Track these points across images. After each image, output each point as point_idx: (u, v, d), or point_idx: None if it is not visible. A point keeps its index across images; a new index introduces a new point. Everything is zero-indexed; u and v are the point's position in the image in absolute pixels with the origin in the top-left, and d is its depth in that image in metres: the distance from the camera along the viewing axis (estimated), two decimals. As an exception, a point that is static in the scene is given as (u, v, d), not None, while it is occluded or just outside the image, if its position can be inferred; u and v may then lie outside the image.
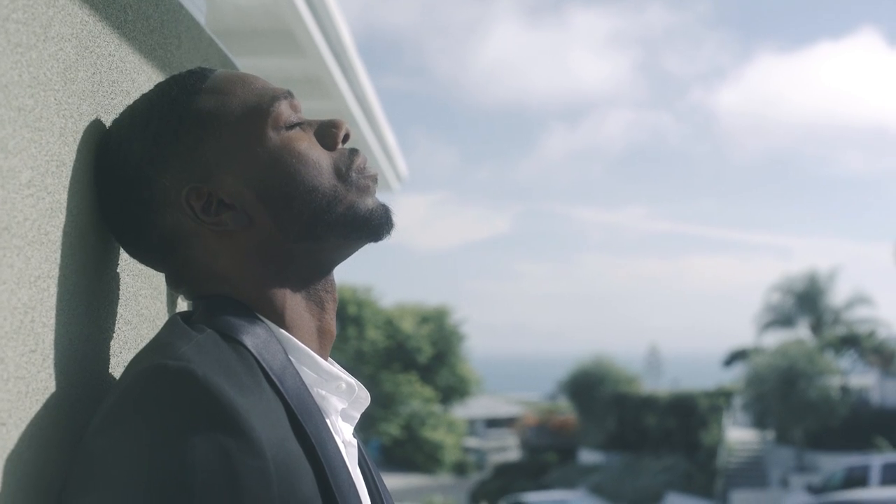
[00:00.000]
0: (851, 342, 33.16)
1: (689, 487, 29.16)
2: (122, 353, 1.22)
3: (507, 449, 43.56)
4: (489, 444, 44.35)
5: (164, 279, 1.36)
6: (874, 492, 18.77)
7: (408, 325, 35.08)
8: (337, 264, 1.21)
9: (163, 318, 1.35)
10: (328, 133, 1.19)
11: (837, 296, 35.26)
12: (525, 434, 40.39)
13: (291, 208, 1.13)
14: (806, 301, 34.99)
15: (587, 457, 34.51)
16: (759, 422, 31.05)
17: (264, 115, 1.15)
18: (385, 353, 34.19)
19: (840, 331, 34.10)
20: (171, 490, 0.90)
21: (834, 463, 25.81)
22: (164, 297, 1.37)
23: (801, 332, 35.05)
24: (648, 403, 33.28)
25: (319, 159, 1.16)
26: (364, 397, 1.20)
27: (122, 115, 1.18)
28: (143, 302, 1.30)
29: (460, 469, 37.91)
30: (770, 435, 31.30)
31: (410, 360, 34.74)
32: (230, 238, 1.13)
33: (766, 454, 31.08)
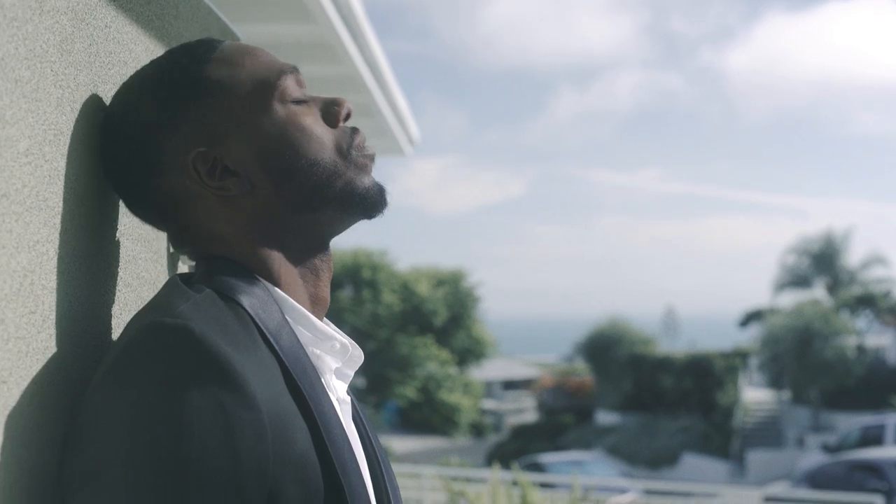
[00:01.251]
0: (867, 302, 33.02)
1: (706, 448, 29.23)
2: (122, 315, 1.25)
3: (524, 411, 43.61)
4: (506, 406, 44.40)
5: (163, 243, 1.39)
6: (890, 451, 18.76)
7: (423, 289, 35.03)
8: (332, 237, 1.25)
9: (163, 280, 1.38)
10: (331, 111, 1.23)
11: (853, 256, 35.10)
12: (542, 396, 40.44)
13: (293, 180, 1.17)
14: (822, 261, 34.82)
15: (604, 418, 34.56)
16: (775, 382, 31.04)
17: (272, 88, 1.19)
18: (401, 317, 34.20)
19: (856, 291, 33.92)
20: (168, 442, 0.94)
21: (850, 422, 25.85)
22: (164, 260, 1.40)
23: (817, 292, 34.91)
24: (665, 364, 33.26)
25: (322, 135, 1.20)
26: (358, 356, 1.24)
27: (131, 78, 1.21)
28: (143, 265, 1.33)
29: (477, 431, 37.98)
30: (786, 395, 31.29)
31: (426, 322, 34.74)
32: (232, 203, 1.16)
33: (782, 414, 31.10)
